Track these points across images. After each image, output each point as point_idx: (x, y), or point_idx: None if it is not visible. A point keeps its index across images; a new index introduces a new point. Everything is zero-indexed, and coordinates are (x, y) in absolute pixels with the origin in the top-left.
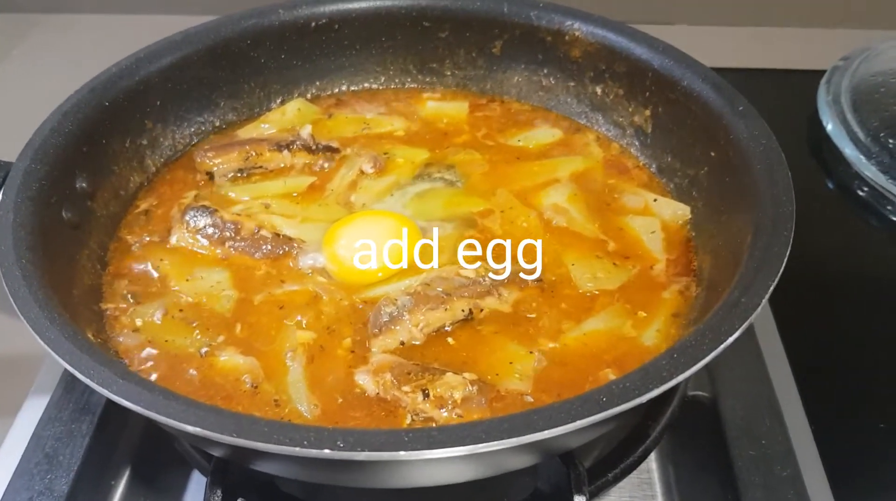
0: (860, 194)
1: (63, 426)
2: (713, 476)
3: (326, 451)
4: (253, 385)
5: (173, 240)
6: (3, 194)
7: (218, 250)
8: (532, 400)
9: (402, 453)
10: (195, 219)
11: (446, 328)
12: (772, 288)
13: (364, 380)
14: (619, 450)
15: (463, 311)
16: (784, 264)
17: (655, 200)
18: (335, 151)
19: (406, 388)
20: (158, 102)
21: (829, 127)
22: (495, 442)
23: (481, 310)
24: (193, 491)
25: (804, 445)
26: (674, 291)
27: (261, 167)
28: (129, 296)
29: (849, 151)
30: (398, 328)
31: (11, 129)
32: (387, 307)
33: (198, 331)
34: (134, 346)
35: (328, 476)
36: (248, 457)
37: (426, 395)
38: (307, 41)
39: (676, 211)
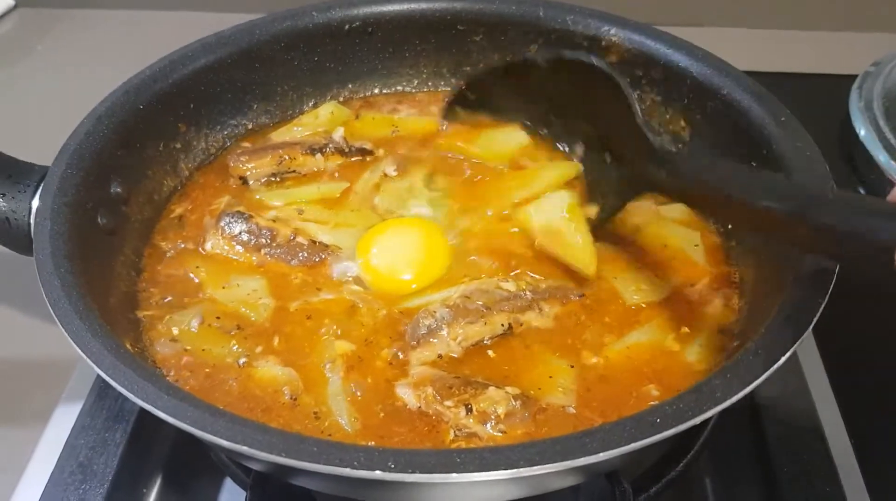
0: None
1: (97, 435)
2: (752, 490)
3: (378, 472)
4: (292, 397)
5: (208, 246)
6: (39, 200)
7: (253, 257)
8: (574, 412)
9: (454, 475)
10: (230, 225)
11: (485, 342)
12: (823, 306)
13: (405, 393)
14: (660, 465)
15: (503, 325)
16: (833, 283)
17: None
18: (368, 153)
19: (448, 402)
20: (192, 105)
21: (862, 133)
22: (548, 465)
23: (521, 324)
24: (226, 499)
25: (845, 459)
26: (717, 304)
27: (294, 171)
28: (165, 304)
29: (882, 157)
30: (436, 340)
31: (35, 127)
32: (425, 320)
33: (235, 340)
34: (171, 355)
35: (373, 493)
36: (293, 473)
37: (469, 410)
38: (340, 44)
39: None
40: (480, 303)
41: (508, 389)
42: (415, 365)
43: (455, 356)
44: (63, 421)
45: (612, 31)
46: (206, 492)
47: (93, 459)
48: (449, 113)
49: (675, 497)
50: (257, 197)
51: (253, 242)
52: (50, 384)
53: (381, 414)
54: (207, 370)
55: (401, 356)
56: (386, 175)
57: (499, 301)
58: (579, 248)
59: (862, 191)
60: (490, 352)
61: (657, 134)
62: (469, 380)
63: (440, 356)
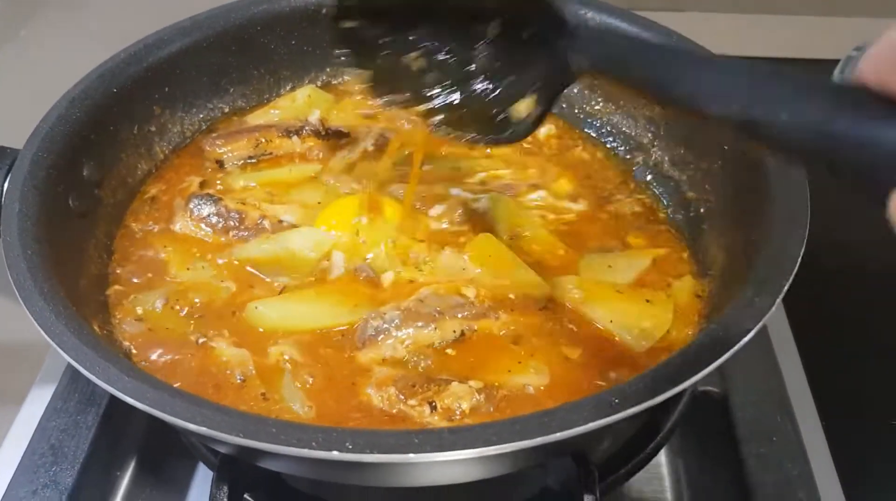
0: None
1: (69, 418)
2: (723, 471)
3: (335, 453)
4: (242, 379)
5: (177, 228)
6: (9, 183)
7: (222, 239)
8: (532, 392)
9: (411, 455)
10: (199, 207)
11: (436, 346)
12: (786, 288)
13: (371, 392)
14: (629, 446)
15: (454, 332)
16: (798, 263)
17: None
18: (345, 135)
19: (412, 401)
20: (167, 89)
21: None
22: (506, 445)
23: (475, 330)
24: (199, 483)
25: (815, 442)
26: (687, 286)
27: (270, 154)
28: (132, 283)
29: None
30: (382, 343)
31: (19, 113)
32: (374, 321)
33: (196, 321)
34: (137, 333)
35: (336, 474)
36: (256, 456)
37: (433, 407)
38: (318, 28)
39: None
40: (435, 307)
41: (472, 383)
42: (375, 366)
43: (402, 359)
44: (37, 403)
45: (589, 14)
46: (180, 475)
47: (64, 442)
48: (337, 41)
49: (643, 476)
50: (228, 180)
51: (221, 224)
52: (24, 366)
53: (349, 418)
54: (171, 348)
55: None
56: (366, 152)
57: (453, 307)
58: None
59: None
60: (449, 351)
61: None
62: (431, 377)
63: (385, 360)
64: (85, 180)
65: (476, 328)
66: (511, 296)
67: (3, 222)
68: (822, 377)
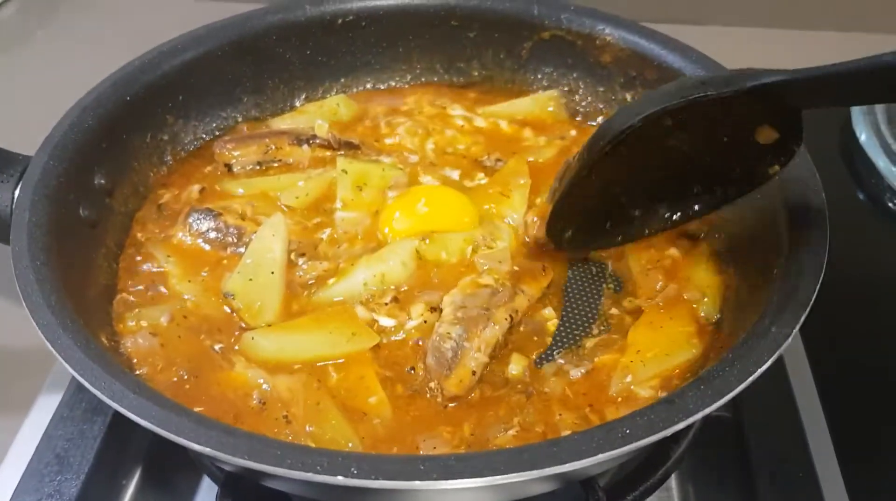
0: (891, 206)
1: (75, 427)
2: (733, 498)
3: (339, 478)
4: (261, 402)
5: (176, 240)
6: (20, 191)
7: (220, 253)
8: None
9: (416, 483)
10: (198, 222)
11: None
12: (803, 319)
13: None
14: (639, 472)
15: (507, 319)
16: (816, 294)
17: None
18: (356, 147)
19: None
20: (180, 97)
21: (863, 138)
22: (514, 475)
23: (517, 312)
24: (204, 495)
25: (829, 472)
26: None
27: (279, 160)
28: (137, 294)
29: (881, 162)
30: (464, 358)
31: (31, 118)
32: (445, 343)
33: (203, 336)
34: (144, 349)
35: (341, 497)
36: (261, 476)
37: None
38: (333, 38)
39: None
40: (480, 307)
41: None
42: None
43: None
44: (43, 412)
45: (607, 30)
46: (185, 487)
47: (70, 451)
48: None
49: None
50: (230, 187)
51: (220, 239)
52: (31, 373)
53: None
54: (176, 363)
55: (433, 388)
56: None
57: (489, 298)
58: None
59: (861, 196)
60: None
61: None
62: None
63: (474, 373)
64: (96, 189)
65: (518, 309)
66: (516, 268)
67: (13, 231)
68: (837, 405)
